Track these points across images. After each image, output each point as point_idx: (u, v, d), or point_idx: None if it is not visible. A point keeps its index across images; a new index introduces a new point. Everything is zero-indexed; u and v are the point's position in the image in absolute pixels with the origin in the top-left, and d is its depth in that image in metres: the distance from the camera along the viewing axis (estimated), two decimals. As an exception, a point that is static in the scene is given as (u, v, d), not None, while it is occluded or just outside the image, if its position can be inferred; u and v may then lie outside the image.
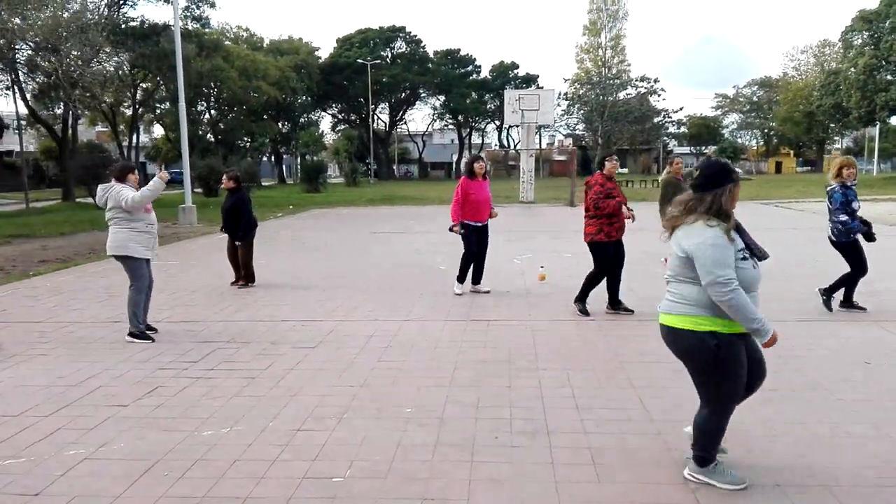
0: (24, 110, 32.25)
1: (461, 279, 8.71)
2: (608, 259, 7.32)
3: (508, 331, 6.76)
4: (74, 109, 30.63)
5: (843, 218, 7.01)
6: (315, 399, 4.85)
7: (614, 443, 4.03)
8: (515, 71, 72.50)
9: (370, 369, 5.54)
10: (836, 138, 77.18)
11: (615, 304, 7.49)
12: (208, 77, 41.37)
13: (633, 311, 7.40)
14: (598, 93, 63.24)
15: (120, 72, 36.03)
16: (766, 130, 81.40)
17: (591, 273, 7.44)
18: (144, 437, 4.22)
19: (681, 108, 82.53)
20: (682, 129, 78.04)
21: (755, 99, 79.95)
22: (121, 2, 35.41)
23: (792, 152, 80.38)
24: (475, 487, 3.51)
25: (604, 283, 7.52)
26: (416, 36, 69.80)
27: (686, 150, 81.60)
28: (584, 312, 7.37)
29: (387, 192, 38.27)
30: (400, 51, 69.48)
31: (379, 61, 64.35)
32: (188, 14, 40.35)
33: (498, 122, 73.72)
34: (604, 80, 63.22)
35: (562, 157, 65.99)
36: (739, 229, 3.33)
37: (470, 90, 70.93)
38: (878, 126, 54.23)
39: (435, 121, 77.90)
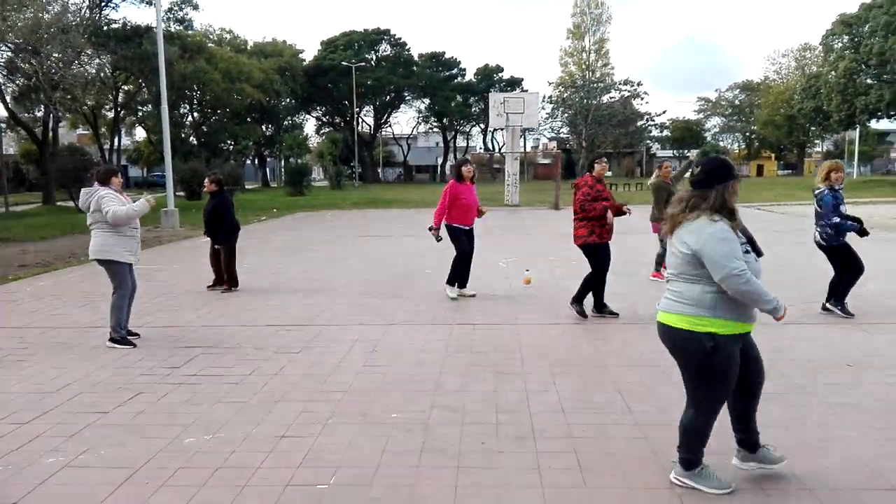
0: (3, 113, 31.92)
1: (453, 282, 8.63)
2: (604, 259, 7.31)
3: (494, 335, 6.74)
4: (55, 112, 30.31)
5: (836, 220, 7.05)
6: (299, 405, 4.80)
7: (601, 447, 4.02)
8: (500, 74, 72.67)
9: (355, 374, 5.50)
10: (817, 141, 78.08)
11: (601, 308, 7.50)
12: (191, 79, 41.05)
13: (618, 315, 7.41)
14: (582, 96, 63.57)
15: (101, 74, 35.71)
16: (747, 134, 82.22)
17: (589, 275, 7.40)
18: (125, 445, 4.15)
19: (664, 112, 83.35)
20: (665, 132, 78.61)
21: (737, 102, 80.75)
22: (102, 3, 35.13)
23: (773, 155, 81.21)
24: (462, 493, 3.49)
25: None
26: (400, 39, 69.80)
27: (669, 153, 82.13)
28: (582, 314, 7.33)
29: (372, 196, 38.19)
30: (384, 53, 69.43)
31: (363, 64, 64.24)
32: (171, 16, 40.13)
33: (483, 125, 73.84)
34: (588, 84, 63.56)
35: (546, 161, 66.15)
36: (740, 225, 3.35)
37: (455, 93, 71.00)
38: (857, 129, 54.92)
39: (420, 124, 77.89)
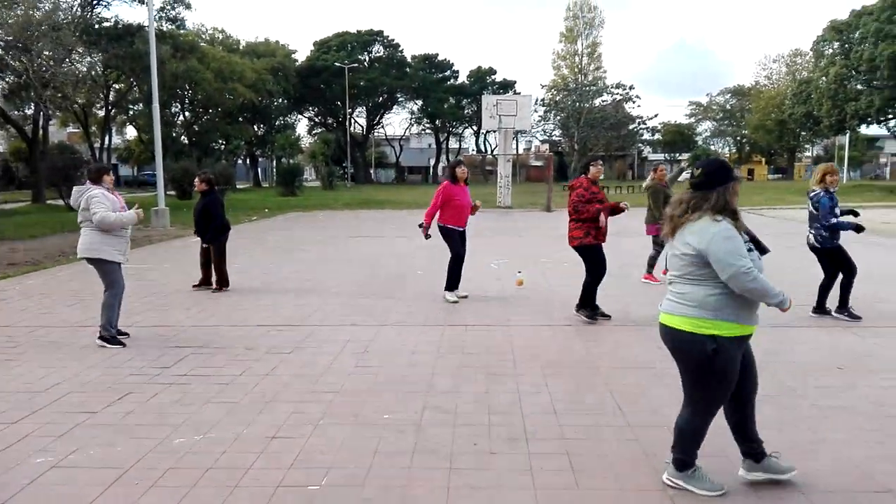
0: (-7, 110, 31.64)
1: (451, 286, 8.56)
2: (601, 260, 7.31)
3: (486, 336, 6.73)
4: (45, 110, 30.08)
5: (834, 221, 7.09)
6: (290, 405, 4.78)
7: (593, 449, 4.02)
8: (493, 76, 72.73)
9: (346, 375, 5.48)
10: (807, 146, 78.49)
11: (593, 310, 7.50)
12: (183, 78, 40.83)
13: (610, 317, 7.42)
14: (574, 99, 63.65)
15: (92, 72, 35.47)
16: (738, 138, 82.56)
17: (587, 280, 7.38)
18: (115, 445, 4.12)
19: (655, 115, 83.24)
20: (657, 136, 78.85)
21: (728, 107, 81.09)
22: (94, 2, 34.87)
23: (763, 160, 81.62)
24: (454, 495, 3.48)
25: (580, 289, 7.51)
26: (393, 40, 69.70)
27: (660, 156, 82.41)
28: (593, 318, 7.28)
29: (364, 196, 38.13)
30: (378, 55, 69.33)
31: (356, 65, 64.14)
32: (163, 15, 39.86)
33: (475, 127, 73.88)
34: (580, 87, 63.66)
35: (538, 163, 66.28)
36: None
37: (447, 95, 70.96)
38: (847, 134, 55.26)
39: (412, 125, 77.85)
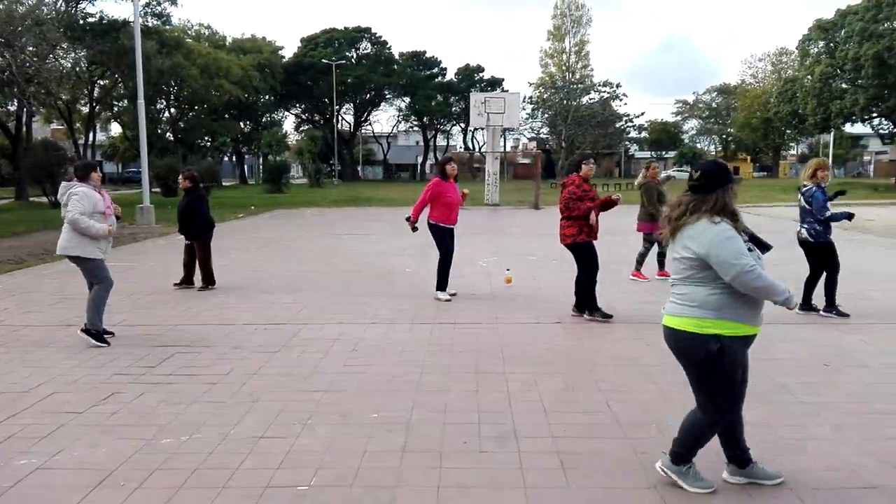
0: (-25, 106, 31.24)
1: (442, 285, 8.52)
2: (595, 258, 7.29)
3: (475, 334, 6.72)
4: (29, 106, 29.75)
5: (829, 213, 7.15)
6: (278, 405, 4.74)
7: (583, 447, 4.01)
8: (481, 74, 72.68)
9: (335, 374, 5.45)
10: (792, 144, 79.10)
11: (581, 308, 7.50)
12: (168, 75, 40.51)
13: (611, 316, 7.37)
14: (562, 97, 63.80)
15: (77, 68, 35.15)
16: (724, 136, 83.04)
17: (581, 278, 7.34)
18: (100, 446, 4.06)
19: (642, 113, 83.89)
20: (644, 134, 79.16)
21: (714, 105, 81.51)
22: (79, -3, 34.55)
23: (749, 158, 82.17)
24: (444, 494, 3.46)
25: (572, 285, 7.52)
26: (381, 37, 69.51)
27: (647, 154, 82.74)
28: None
29: (352, 194, 38.03)
30: (365, 52, 69.11)
31: (344, 62, 63.92)
32: (148, 11, 39.53)
33: (463, 125, 73.79)
34: (568, 85, 63.84)
35: (526, 161, 66.37)
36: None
37: (435, 92, 70.84)
38: (832, 133, 55.71)
39: (400, 122, 77.70)
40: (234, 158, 68.48)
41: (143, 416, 4.56)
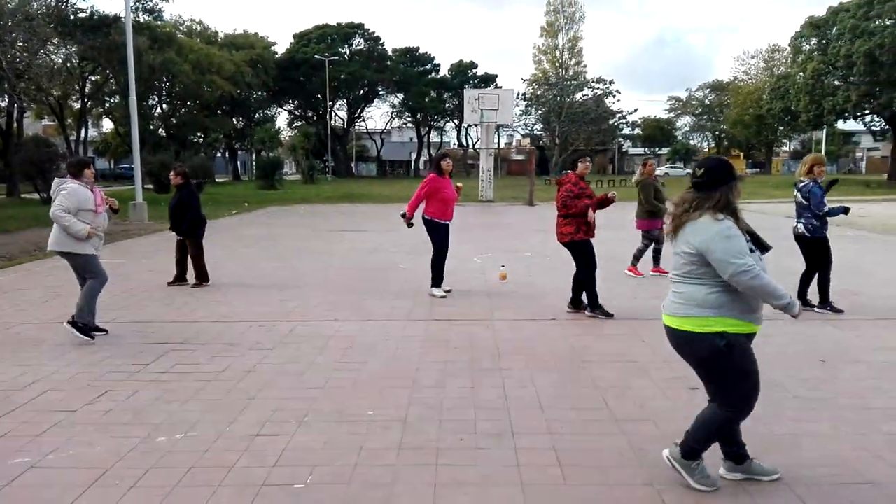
0: (-35, 102, 31.02)
1: (437, 282, 8.50)
2: (593, 256, 7.29)
3: (470, 331, 6.71)
4: (20, 102, 29.53)
5: (826, 208, 7.17)
6: (274, 402, 4.72)
7: (579, 444, 4.01)
8: (474, 70, 72.66)
9: (331, 371, 5.43)
10: (785, 141, 79.36)
11: (576, 304, 7.50)
12: (160, 71, 40.34)
13: (612, 315, 7.37)
14: (555, 93, 63.82)
15: (68, 64, 34.91)
16: (717, 133, 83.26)
17: (580, 275, 7.32)
18: (94, 444, 4.04)
19: (635, 110, 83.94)
20: (637, 130, 79.30)
21: (707, 102, 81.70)
22: (69, -9, 34.28)
23: (742, 154, 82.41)
24: (441, 492, 3.45)
25: (570, 281, 7.52)
26: (374, 33, 69.36)
27: (640, 150, 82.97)
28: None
29: (345, 190, 37.94)
30: (358, 48, 68.96)
31: (337, 58, 63.75)
32: (140, 6, 39.29)
33: (457, 121, 73.76)
34: (561, 81, 63.85)
35: (520, 157, 66.43)
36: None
37: (429, 88, 70.79)
38: (825, 129, 55.93)
39: (393, 119, 77.58)
40: (226, 155, 68.25)
41: (137, 413, 4.53)
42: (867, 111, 43.85)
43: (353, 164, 78.22)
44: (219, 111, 53.43)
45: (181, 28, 53.04)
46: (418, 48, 72.06)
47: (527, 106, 67.13)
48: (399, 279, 9.63)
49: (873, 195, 31.24)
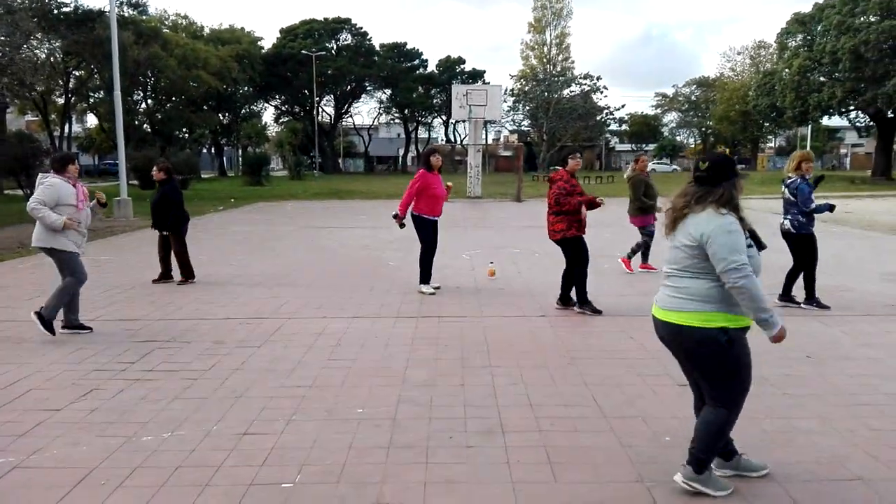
0: (-54, 97, 30.58)
1: (426, 278, 8.47)
2: (585, 252, 7.28)
3: (460, 328, 6.69)
4: (2, 97, 29.20)
5: (813, 205, 7.20)
6: (262, 401, 4.67)
7: (569, 441, 4.00)
8: (462, 66, 72.49)
9: (319, 369, 5.39)
10: (770, 137, 79.85)
11: (566, 301, 7.50)
12: (145, 66, 39.97)
13: (601, 312, 7.37)
14: (543, 89, 63.86)
15: (52, 59, 34.53)
16: (703, 129, 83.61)
17: (571, 272, 7.32)
18: (79, 444, 3.98)
19: (623, 106, 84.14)
20: (624, 126, 79.51)
21: (693, 98, 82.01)
22: (53, -15, 33.90)
23: (728, 150, 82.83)
24: (431, 490, 3.43)
25: (558, 278, 7.51)
26: (361, 28, 69.03)
27: (627, 147, 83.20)
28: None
29: (333, 186, 37.79)
30: (345, 43, 68.62)
31: (324, 53, 63.41)
32: (125, 0, 38.95)
33: (444, 117, 73.64)
34: (549, 77, 63.89)
35: (507, 153, 66.45)
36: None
37: (416, 84, 70.56)
38: (810, 126, 56.31)
39: (381, 114, 77.31)
40: (212, 150, 67.75)
41: (123, 412, 4.47)
42: (852, 108, 44.17)
43: (340, 161, 77.93)
44: (205, 107, 53.02)
45: (166, 22, 52.58)
46: (406, 44, 71.85)
47: (514, 102, 67.13)
48: (388, 276, 9.59)
49: (858, 191, 31.50)
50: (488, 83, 48.76)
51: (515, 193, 27.37)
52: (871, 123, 47.82)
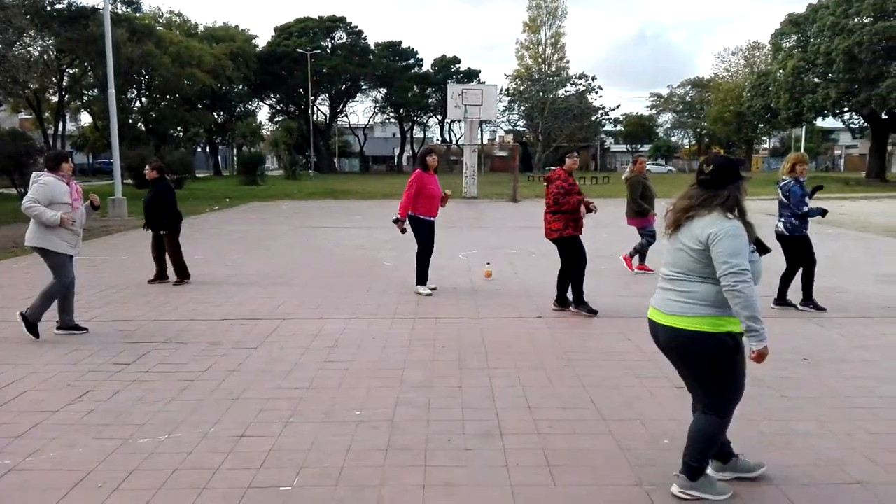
0: (-61, 95, 30.44)
1: (422, 279, 8.44)
2: (582, 251, 7.28)
3: (457, 329, 6.68)
4: (-5, 95, 29.09)
5: (806, 208, 7.22)
6: (259, 402, 4.66)
7: (568, 444, 4.00)
8: (457, 65, 72.55)
9: (316, 370, 5.37)
10: (765, 138, 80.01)
11: (562, 302, 7.50)
12: (139, 63, 39.81)
13: (596, 312, 7.36)
14: (538, 89, 63.89)
15: (45, 56, 34.36)
16: (698, 130, 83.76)
17: (568, 271, 7.31)
18: (75, 446, 3.96)
19: (618, 106, 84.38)
20: (619, 127, 79.61)
21: (688, 99, 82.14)
22: (46, -17, 33.72)
23: (722, 151, 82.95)
24: (430, 493, 3.42)
25: (554, 279, 7.51)
26: (356, 27, 68.95)
27: (622, 147, 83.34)
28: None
29: (328, 186, 37.73)
30: (340, 41, 68.54)
31: (319, 51, 63.29)
32: (118, -3, 38.80)
33: (440, 117, 73.61)
34: (544, 77, 63.93)
35: (503, 153, 66.49)
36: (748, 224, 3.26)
37: (412, 83, 70.52)
38: (804, 127, 56.49)
39: (376, 114, 77.27)
40: (207, 149, 67.57)
41: (119, 414, 4.45)
42: (846, 109, 44.33)
43: (335, 160, 77.83)
44: (199, 105, 52.85)
45: (160, 20, 52.40)
46: (401, 42, 71.88)
47: (510, 102, 67.15)
48: (384, 276, 9.58)
49: (852, 193, 31.63)
50: (484, 83, 48.67)
51: (511, 194, 27.37)
52: (866, 125, 48.03)
